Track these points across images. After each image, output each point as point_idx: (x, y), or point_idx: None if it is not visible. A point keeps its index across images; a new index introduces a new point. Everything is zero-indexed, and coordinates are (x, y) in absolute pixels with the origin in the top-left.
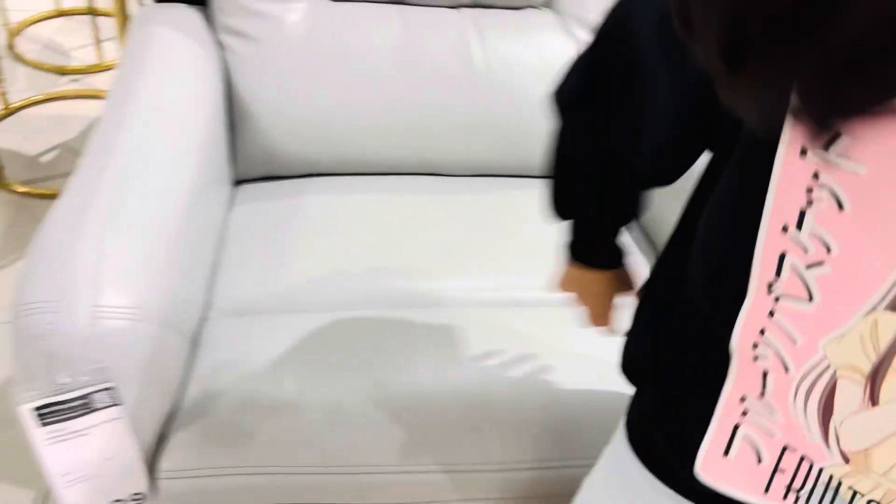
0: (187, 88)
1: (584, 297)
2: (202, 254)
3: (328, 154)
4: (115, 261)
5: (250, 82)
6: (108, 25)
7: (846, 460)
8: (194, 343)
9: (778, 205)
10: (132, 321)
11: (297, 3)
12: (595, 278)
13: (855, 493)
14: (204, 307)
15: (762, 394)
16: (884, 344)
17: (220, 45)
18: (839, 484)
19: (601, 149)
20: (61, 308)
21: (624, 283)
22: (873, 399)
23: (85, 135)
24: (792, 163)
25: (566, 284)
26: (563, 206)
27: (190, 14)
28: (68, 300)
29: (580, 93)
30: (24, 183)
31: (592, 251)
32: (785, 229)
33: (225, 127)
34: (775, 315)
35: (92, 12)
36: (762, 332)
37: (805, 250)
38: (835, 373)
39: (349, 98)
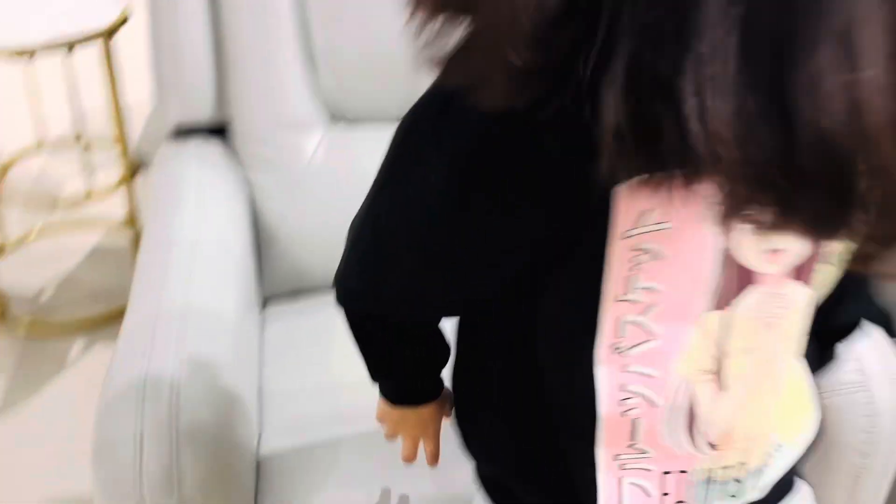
0: (220, 221)
1: (405, 432)
2: (252, 375)
3: None
4: (189, 390)
5: (276, 208)
6: (97, 151)
7: (713, 448)
8: (259, 466)
9: (611, 285)
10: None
11: (315, 131)
12: (416, 413)
13: (728, 470)
14: (259, 427)
15: (631, 444)
16: (720, 338)
17: (244, 174)
18: (716, 473)
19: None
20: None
21: (443, 408)
22: (721, 386)
23: (83, 266)
24: (617, 247)
25: (387, 421)
26: (377, 372)
27: (212, 146)
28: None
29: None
30: (30, 322)
31: (410, 393)
32: (618, 298)
33: (253, 250)
34: (629, 366)
35: (82, 142)
36: (623, 387)
37: (637, 303)
38: (690, 383)
39: None
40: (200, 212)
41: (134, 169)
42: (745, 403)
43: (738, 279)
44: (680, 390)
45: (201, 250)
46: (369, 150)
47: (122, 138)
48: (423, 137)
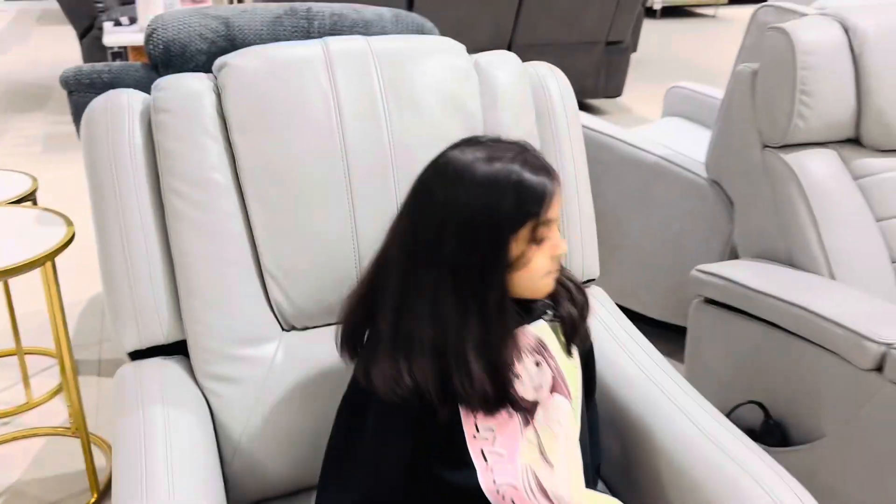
0: (187, 443)
1: None
2: None
3: (315, 470)
4: None
5: (237, 419)
6: (34, 362)
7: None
8: None
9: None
10: None
11: (270, 343)
12: None
13: None
14: None
15: None
16: (538, 439)
17: (204, 388)
18: None
19: None
20: None
21: None
22: (550, 464)
23: (28, 474)
24: (472, 441)
25: None
26: None
27: (171, 365)
28: None
29: None
30: None
31: None
32: (474, 436)
33: (218, 464)
34: (495, 471)
35: (19, 353)
36: (494, 481)
37: (486, 440)
38: (531, 468)
39: (328, 417)
40: (169, 435)
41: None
42: (566, 473)
43: (528, 409)
44: (528, 473)
45: (174, 470)
46: (323, 353)
47: (61, 350)
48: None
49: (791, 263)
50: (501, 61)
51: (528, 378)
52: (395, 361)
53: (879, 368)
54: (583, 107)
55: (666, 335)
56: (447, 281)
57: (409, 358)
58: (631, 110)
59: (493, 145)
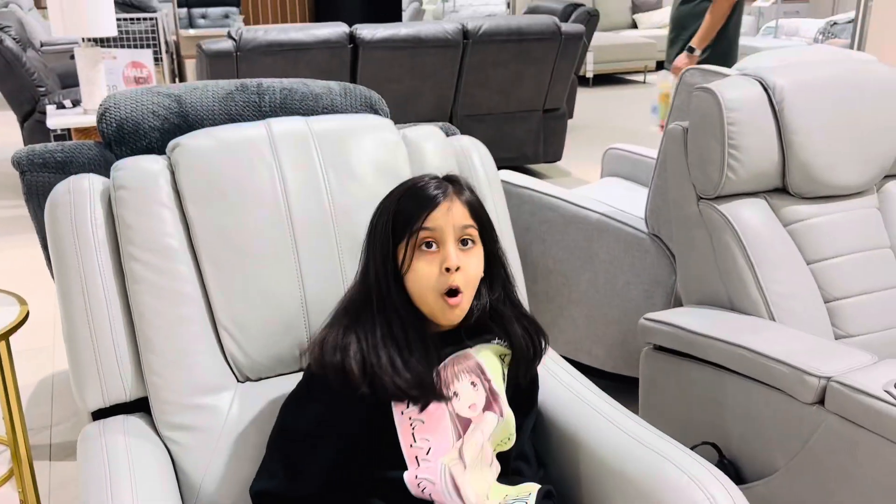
0: (152, 494)
1: None
2: None
3: None
4: None
5: (198, 466)
6: None
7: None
8: None
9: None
10: None
11: (227, 391)
12: None
13: None
14: None
15: None
16: (461, 446)
17: (165, 441)
18: None
19: None
20: None
21: None
22: (465, 466)
23: None
24: (402, 427)
25: None
26: None
27: (134, 421)
28: None
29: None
30: None
31: None
32: (410, 445)
33: None
34: (420, 468)
35: None
36: (416, 476)
37: (421, 448)
38: (448, 468)
39: None
40: (135, 487)
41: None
42: (477, 474)
43: (462, 424)
44: (446, 471)
45: None
46: (276, 401)
47: (15, 435)
48: (300, 398)
49: (732, 307)
50: (427, 134)
51: (464, 397)
52: (332, 335)
53: (821, 401)
54: (525, 172)
55: (618, 387)
56: (360, 278)
57: (339, 336)
58: (571, 173)
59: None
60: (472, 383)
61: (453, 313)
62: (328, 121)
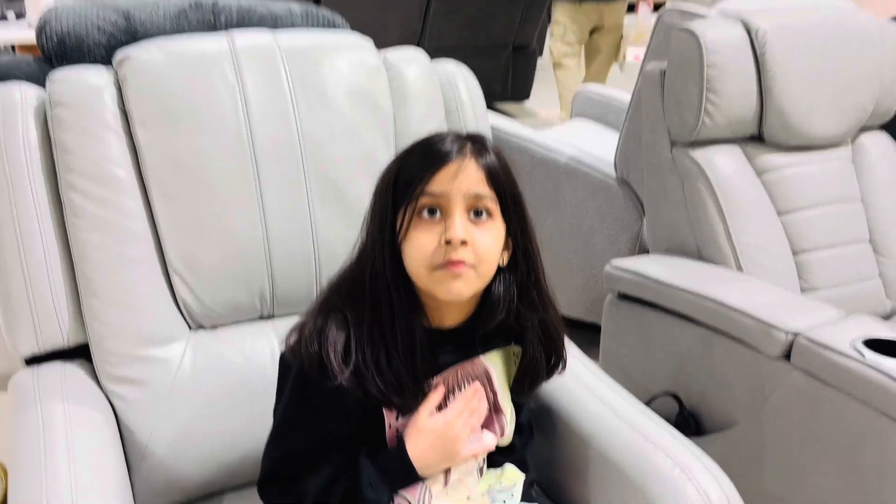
0: (90, 452)
1: None
2: None
3: (228, 473)
4: None
5: (145, 423)
6: None
7: None
8: None
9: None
10: None
11: (178, 343)
12: None
13: None
14: None
15: None
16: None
17: (108, 392)
18: None
19: None
20: None
21: None
22: (446, 481)
23: None
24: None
25: None
26: None
27: (71, 370)
28: None
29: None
30: None
31: None
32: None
33: (124, 470)
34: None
35: None
36: (399, 493)
37: None
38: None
39: (240, 418)
40: (71, 444)
41: None
42: (460, 487)
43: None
44: (426, 490)
45: (78, 483)
46: (233, 352)
47: None
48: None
49: (700, 257)
50: (410, 58)
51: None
52: (313, 320)
53: (787, 356)
54: (491, 109)
55: (580, 333)
56: (357, 252)
57: (322, 320)
58: (538, 113)
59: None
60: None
61: (454, 285)
62: (299, 36)
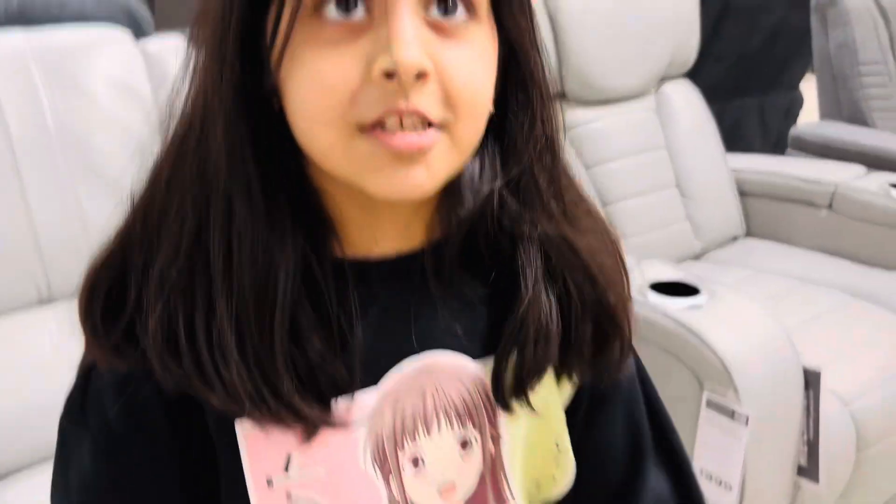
0: None
1: None
2: None
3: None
4: None
5: None
6: None
7: None
8: None
9: None
10: None
11: None
12: None
13: None
14: None
15: None
16: None
17: None
18: None
19: None
20: None
21: None
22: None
23: None
24: (264, 497)
25: None
26: None
27: None
28: None
29: None
30: None
31: None
32: None
33: None
34: None
35: None
36: None
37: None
38: None
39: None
40: None
41: None
42: None
43: None
44: None
45: None
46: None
47: None
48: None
49: None
50: (173, 47)
51: (435, 466)
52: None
53: None
54: None
55: None
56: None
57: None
58: None
59: None
60: (463, 442)
61: (409, 173)
62: (54, 33)
